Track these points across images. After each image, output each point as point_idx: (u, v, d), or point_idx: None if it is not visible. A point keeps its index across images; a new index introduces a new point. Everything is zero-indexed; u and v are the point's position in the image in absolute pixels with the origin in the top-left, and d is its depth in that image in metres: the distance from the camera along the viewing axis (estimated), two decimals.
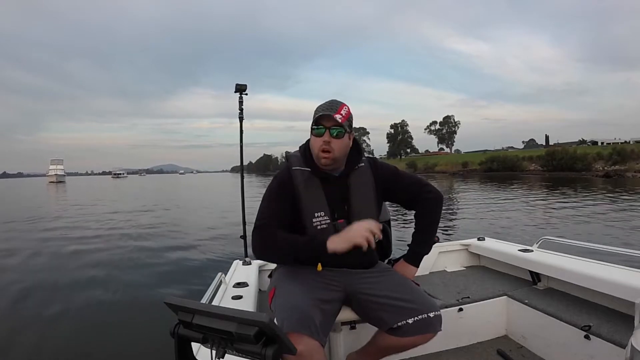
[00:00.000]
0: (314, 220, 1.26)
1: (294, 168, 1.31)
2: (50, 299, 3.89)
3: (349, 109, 1.28)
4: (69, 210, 14.35)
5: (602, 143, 58.67)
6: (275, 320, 1.03)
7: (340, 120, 1.22)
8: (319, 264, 1.28)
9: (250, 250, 1.69)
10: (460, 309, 1.72)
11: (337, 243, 1.17)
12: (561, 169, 42.37)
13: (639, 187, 19.87)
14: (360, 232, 1.17)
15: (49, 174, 71.38)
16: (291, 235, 1.23)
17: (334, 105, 1.26)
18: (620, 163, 39.63)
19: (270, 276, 1.46)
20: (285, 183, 1.30)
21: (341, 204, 1.30)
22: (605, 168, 39.87)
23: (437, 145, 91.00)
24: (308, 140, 1.33)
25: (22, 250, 6.44)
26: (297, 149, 1.38)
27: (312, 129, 1.27)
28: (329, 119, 1.23)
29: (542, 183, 26.16)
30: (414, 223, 1.40)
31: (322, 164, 1.28)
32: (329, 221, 1.27)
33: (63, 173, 75.12)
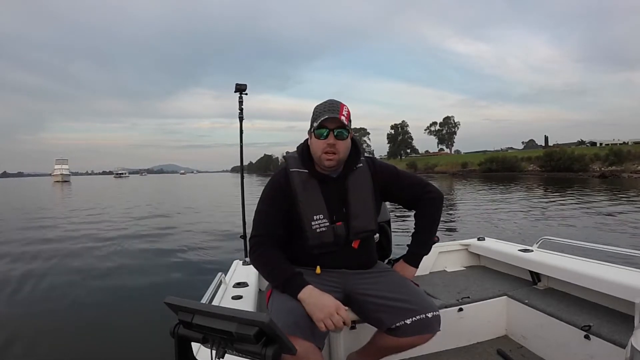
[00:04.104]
0: (313, 223, 1.25)
1: (291, 170, 1.30)
2: (50, 299, 3.89)
3: (348, 109, 1.26)
4: (80, 210, 14.34)
5: (601, 144, 58.76)
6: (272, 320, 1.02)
7: (344, 122, 1.22)
8: (318, 267, 1.29)
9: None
10: (460, 309, 1.72)
11: (305, 301, 1.13)
12: (559, 170, 42.48)
13: (634, 188, 19.89)
14: (324, 315, 1.10)
15: (54, 173, 71.43)
16: (278, 261, 1.22)
17: (335, 106, 1.24)
18: (617, 164, 39.74)
19: None
20: (282, 185, 1.29)
21: (339, 205, 1.29)
22: (602, 169, 39.95)
23: (437, 145, 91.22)
24: (306, 141, 1.32)
25: (27, 249, 6.44)
26: (296, 149, 1.36)
27: (312, 130, 1.25)
28: (334, 120, 1.21)
29: (540, 183, 26.20)
30: (414, 223, 1.40)
31: (326, 166, 1.26)
32: (327, 224, 1.26)
33: (68, 173, 75.36)
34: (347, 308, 1.17)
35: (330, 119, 1.21)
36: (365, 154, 1.40)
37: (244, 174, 2.81)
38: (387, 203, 1.57)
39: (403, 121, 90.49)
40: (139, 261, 5.54)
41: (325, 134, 1.22)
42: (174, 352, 0.72)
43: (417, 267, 1.38)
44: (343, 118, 1.22)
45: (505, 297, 1.80)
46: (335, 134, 1.22)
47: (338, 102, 1.27)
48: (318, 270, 1.28)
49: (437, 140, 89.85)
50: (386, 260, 1.57)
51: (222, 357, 0.67)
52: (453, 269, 2.25)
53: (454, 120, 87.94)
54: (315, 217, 1.25)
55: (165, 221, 10.01)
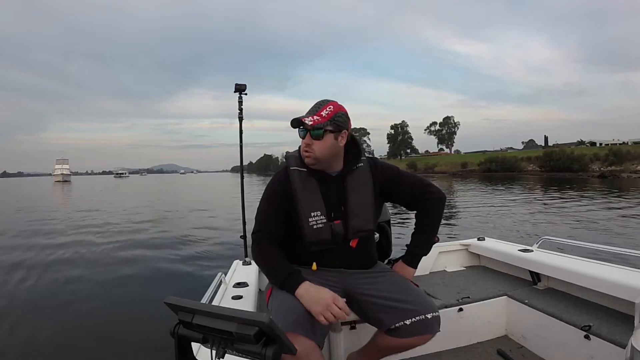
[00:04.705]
0: (310, 220, 1.26)
1: (291, 168, 1.31)
2: (50, 299, 3.88)
3: (335, 107, 1.26)
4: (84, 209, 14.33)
5: (600, 144, 58.79)
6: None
7: (310, 123, 1.22)
8: (314, 264, 1.29)
9: (250, 250, 1.69)
10: (460, 309, 1.72)
11: (303, 297, 1.14)
12: (558, 170, 42.51)
13: (633, 188, 19.90)
14: (322, 307, 1.11)
15: (55, 173, 71.53)
16: (277, 259, 1.24)
17: (316, 107, 1.26)
18: (616, 164, 39.77)
19: None
20: (282, 184, 1.30)
21: (338, 204, 1.29)
22: (602, 169, 39.97)
23: (437, 145, 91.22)
24: None
25: (27, 248, 6.45)
26: (297, 149, 1.38)
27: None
28: (298, 121, 1.24)
29: (540, 183, 26.22)
30: (414, 223, 1.39)
31: (307, 164, 1.29)
32: (325, 221, 1.26)
33: (69, 173, 75.47)
34: (344, 299, 1.17)
35: (296, 120, 1.24)
36: (366, 154, 1.40)
37: (244, 174, 2.80)
38: (387, 203, 1.57)
39: (403, 121, 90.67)
40: (139, 261, 5.53)
41: (303, 134, 1.26)
42: (174, 352, 0.72)
43: (416, 267, 1.38)
44: (314, 118, 1.22)
45: (505, 297, 1.80)
46: (311, 133, 1.24)
47: (326, 101, 1.28)
48: (314, 267, 1.29)
49: (437, 140, 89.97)
50: (386, 261, 1.57)
51: (222, 357, 0.67)
52: (453, 269, 2.25)
53: (453, 120, 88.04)
54: (312, 214, 1.26)
55: (165, 221, 10.00)
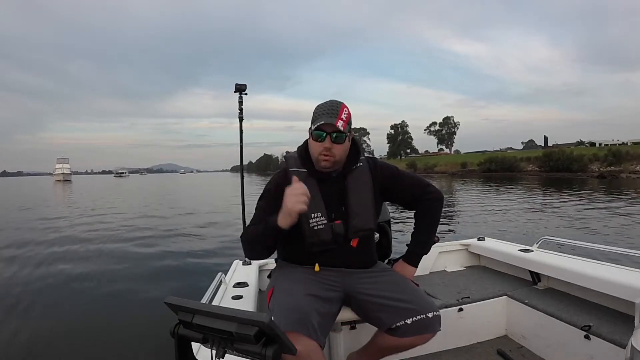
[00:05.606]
0: (311, 221, 1.25)
1: (290, 169, 1.31)
2: (49, 299, 3.88)
3: (349, 110, 1.26)
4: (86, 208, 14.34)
5: (600, 144, 58.79)
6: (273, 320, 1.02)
7: (342, 127, 1.21)
8: (316, 265, 1.29)
9: None
10: (460, 309, 1.72)
11: (282, 219, 1.14)
12: (558, 170, 42.56)
13: (632, 188, 19.91)
14: (295, 201, 1.11)
15: (56, 172, 71.52)
16: (258, 225, 1.26)
17: (335, 110, 1.23)
18: (616, 164, 39.79)
19: (269, 276, 1.46)
20: (281, 185, 1.29)
21: (338, 204, 1.29)
22: (601, 169, 40.00)
23: (437, 145, 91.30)
24: (306, 141, 1.32)
25: (27, 249, 6.44)
26: (296, 149, 1.37)
27: (311, 131, 1.25)
28: (331, 126, 1.21)
29: (539, 183, 26.24)
30: (413, 223, 1.40)
31: (322, 167, 1.27)
32: (325, 221, 1.26)
33: (69, 172, 75.50)
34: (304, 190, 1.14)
35: (326, 124, 1.21)
36: (366, 154, 1.40)
37: (244, 174, 2.81)
38: (387, 203, 1.57)
39: (403, 121, 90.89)
40: (139, 261, 5.53)
41: (322, 137, 1.23)
42: (174, 352, 0.72)
43: (416, 266, 1.38)
44: (341, 123, 1.21)
45: (505, 297, 1.80)
46: (332, 137, 1.22)
47: (339, 103, 1.26)
48: (317, 268, 1.29)
49: (436, 140, 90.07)
50: (386, 260, 1.57)
51: (222, 357, 0.67)
52: (453, 269, 2.25)
53: (453, 120, 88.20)
54: (313, 215, 1.25)
55: (165, 221, 10.00)
